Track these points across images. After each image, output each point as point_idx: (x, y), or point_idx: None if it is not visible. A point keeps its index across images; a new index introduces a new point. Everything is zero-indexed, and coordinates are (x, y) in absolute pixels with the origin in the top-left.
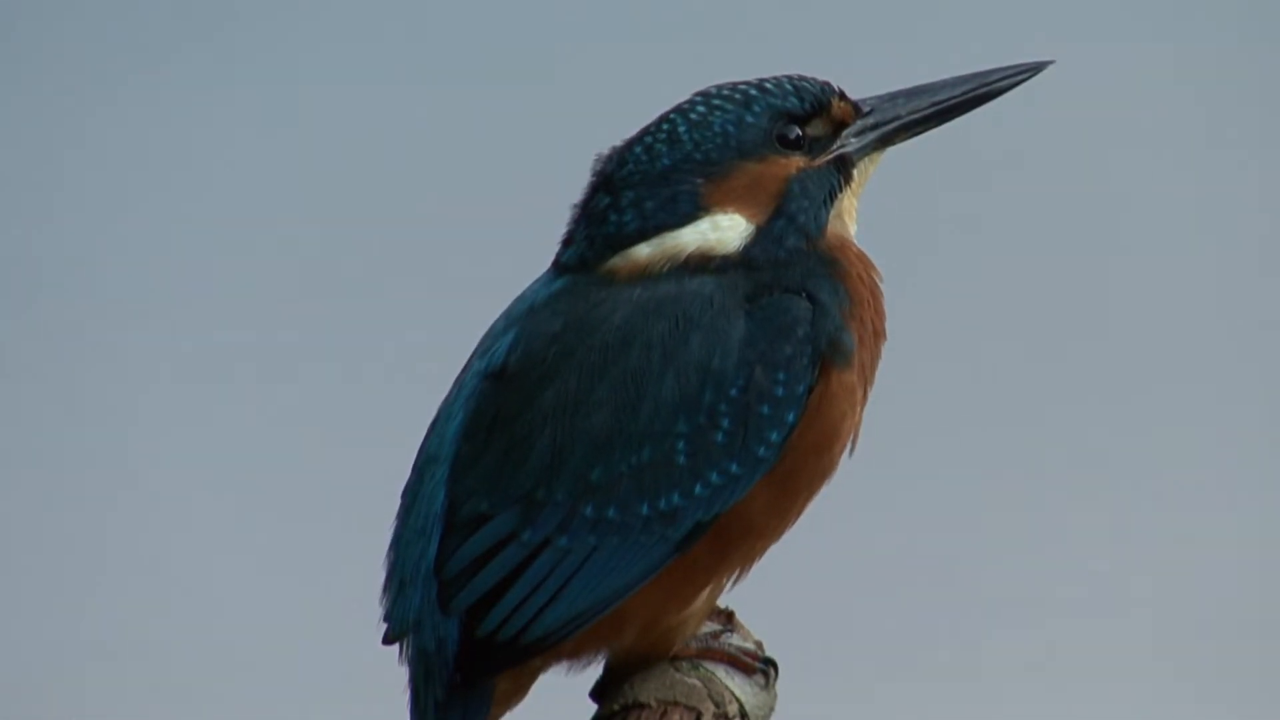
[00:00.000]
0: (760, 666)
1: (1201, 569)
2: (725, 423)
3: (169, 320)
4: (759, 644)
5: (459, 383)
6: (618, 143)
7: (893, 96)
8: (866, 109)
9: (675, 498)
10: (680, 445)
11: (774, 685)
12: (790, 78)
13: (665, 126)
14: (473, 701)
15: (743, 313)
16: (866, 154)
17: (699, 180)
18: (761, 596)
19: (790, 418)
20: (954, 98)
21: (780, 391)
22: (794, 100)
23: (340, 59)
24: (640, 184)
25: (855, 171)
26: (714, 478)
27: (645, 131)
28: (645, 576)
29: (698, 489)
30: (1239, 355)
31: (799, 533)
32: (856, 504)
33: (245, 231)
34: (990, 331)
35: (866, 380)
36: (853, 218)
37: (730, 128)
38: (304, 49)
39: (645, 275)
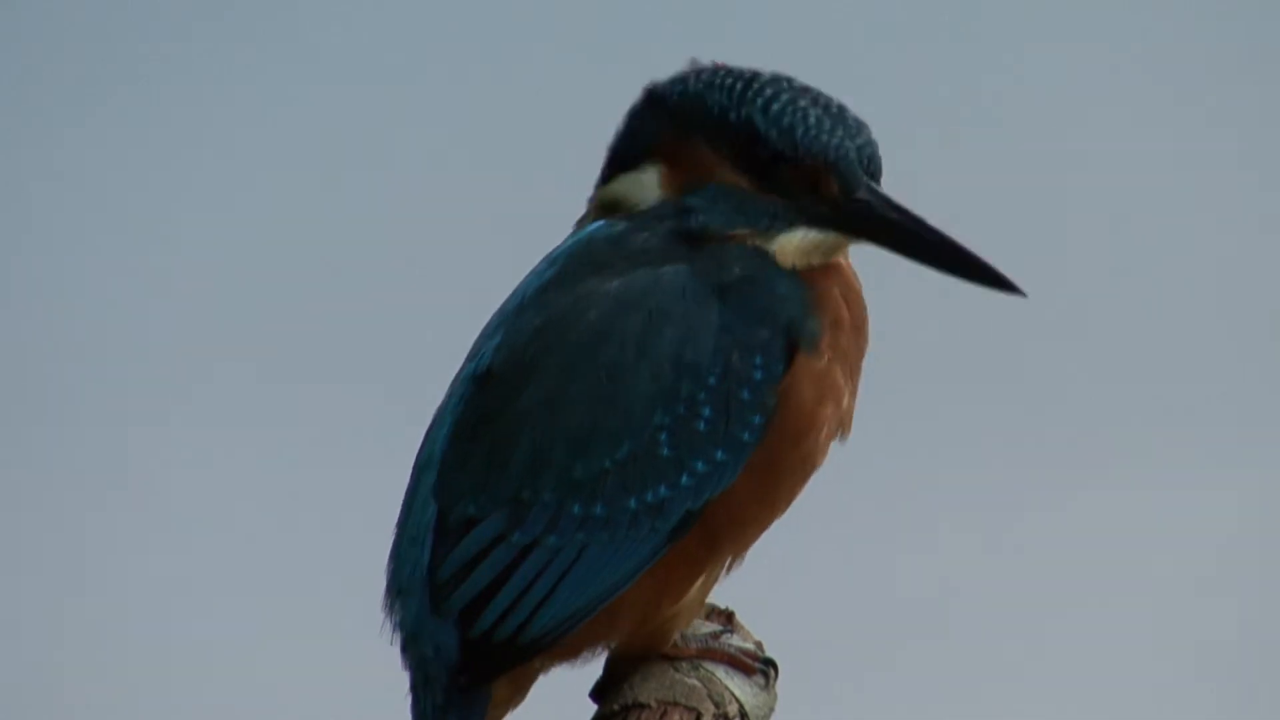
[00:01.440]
0: (760, 667)
1: (1204, 569)
2: (706, 410)
3: (166, 324)
4: (759, 644)
5: (452, 387)
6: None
7: (899, 209)
8: (861, 196)
9: (662, 489)
10: (662, 437)
11: (774, 685)
12: (804, 111)
13: (704, 75)
14: (470, 705)
15: (716, 300)
16: (813, 227)
17: (667, 131)
18: (761, 596)
19: (772, 400)
20: (931, 254)
21: (759, 375)
22: (773, 133)
23: (340, 57)
24: (646, 110)
25: (802, 231)
26: (699, 466)
27: (700, 69)
28: (640, 569)
29: (684, 479)
30: (1242, 343)
31: (799, 533)
32: (857, 503)
33: (245, 231)
34: (994, 331)
35: (850, 370)
36: (792, 256)
37: (715, 110)
38: (303, 47)
39: (603, 215)
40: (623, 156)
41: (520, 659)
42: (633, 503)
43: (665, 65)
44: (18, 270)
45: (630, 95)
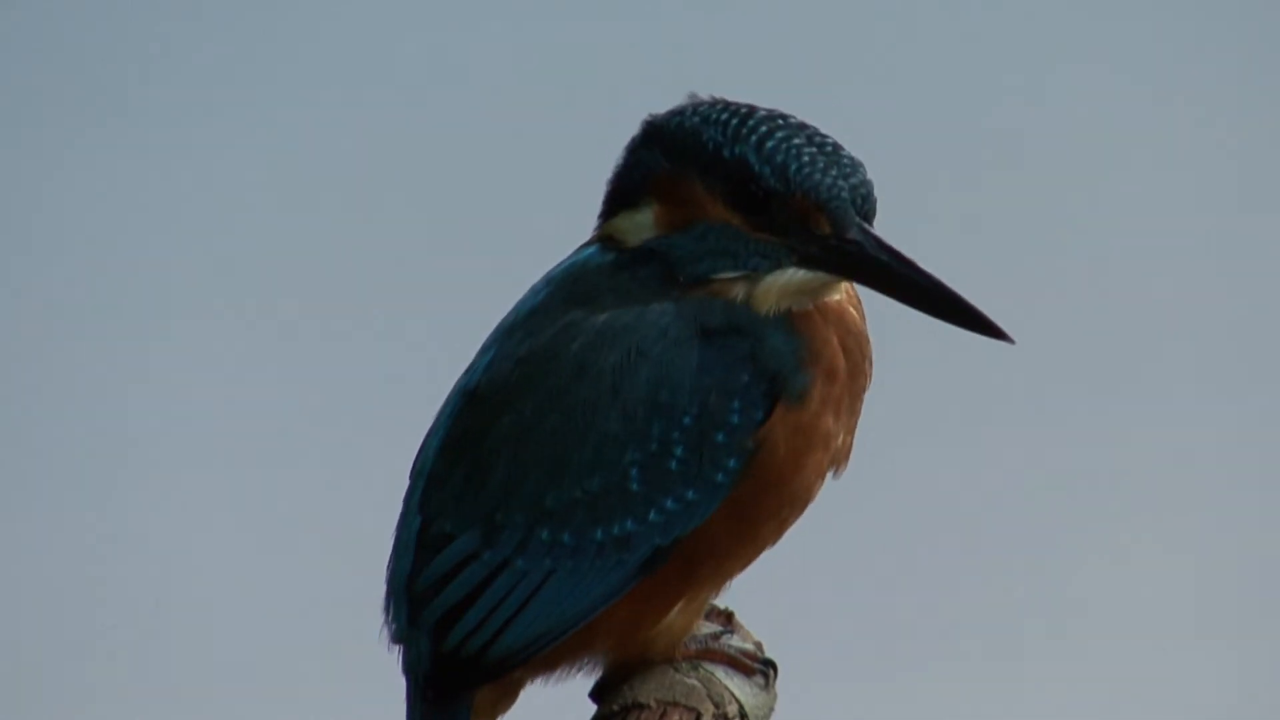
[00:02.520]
0: (759, 668)
1: (1209, 570)
2: (679, 450)
3: (167, 312)
4: (759, 645)
5: (449, 396)
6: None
7: (889, 250)
8: (852, 236)
9: (629, 523)
10: (633, 473)
11: (774, 686)
12: (799, 149)
13: (703, 109)
14: (451, 712)
15: (698, 342)
16: (803, 267)
17: (666, 165)
18: (761, 597)
19: (750, 444)
20: (918, 297)
21: (736, 419)
22: (766, 170)
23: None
24: (644, 144)
25: (791, 272)
26: (669, 504)
27: (699, 103)
28: (607, 599)
29: (652, 515)
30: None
31: (799, 534)
32: (858, 505)
33: (246, 229)
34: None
35: (846, 411)
36: (774, 298)
37: (710, 146)
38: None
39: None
40: (622, 191)
41: (487, 676)
42: (599, 534)
43: (670, 84)
44: (19, 264)
45: (636, 111)
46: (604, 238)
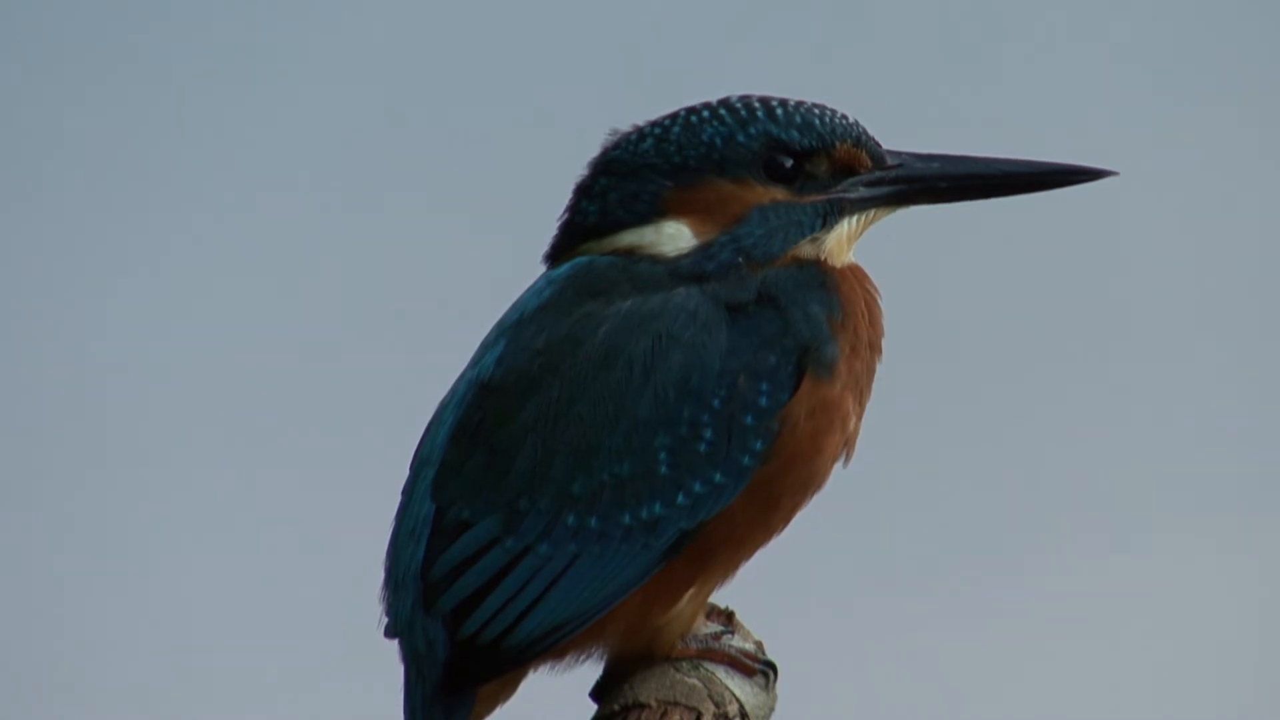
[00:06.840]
0: (760, 668)
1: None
2: (708, 433)
3: (152, 314)
4: (759, 645)
5: (454, 386)
6: (639, 123)
7: (929, 158)
8: (892, 162)
9: (657, 507)
10: (662, 456)
11: (774, 686)
12: (807, 109)
13: (666, 122)
14: (457, 699)
15: (725, 324)
16: (868, 207)
17: (668, 184)
18: (761, 597)
19: (775, 426)
20: (995, 177)
21: (764, 401)
22: (794, 134)
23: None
24: (617, 173)
25: (849, 220)
26: (697, 487)
27: (655, 122)
28: (632, 585)
29: (680, 498)
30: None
31: (802, 536)
32: (858, 505)
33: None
34: (996, 329)
35: (860, 393)
36: (844, 249)
37: (718, 141)
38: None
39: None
40: (598, 226)
41: (508, 664)
42: (627, 518)
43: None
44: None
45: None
46: (624, 251)
